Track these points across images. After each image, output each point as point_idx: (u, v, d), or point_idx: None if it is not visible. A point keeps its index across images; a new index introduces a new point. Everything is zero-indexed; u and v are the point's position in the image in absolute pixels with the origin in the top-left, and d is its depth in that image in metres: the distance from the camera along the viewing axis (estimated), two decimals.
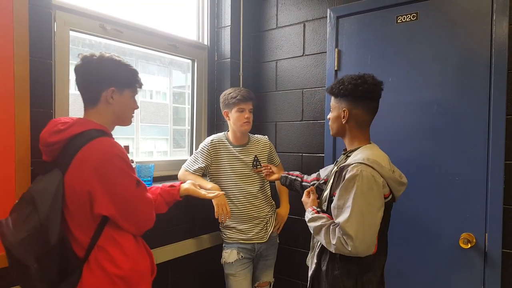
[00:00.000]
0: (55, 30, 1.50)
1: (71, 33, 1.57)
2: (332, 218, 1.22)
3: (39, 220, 1.02)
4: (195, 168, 1.81)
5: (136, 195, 1.13)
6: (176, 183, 1.49)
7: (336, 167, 1.35)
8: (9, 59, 1.27)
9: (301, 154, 2.14)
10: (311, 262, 1.35)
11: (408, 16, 1.75)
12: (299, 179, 1.69)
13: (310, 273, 1.34)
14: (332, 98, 1.34)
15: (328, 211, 1.27)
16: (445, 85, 1.66)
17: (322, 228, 1.22)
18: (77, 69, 1.17)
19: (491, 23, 1.54)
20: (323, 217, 1.25)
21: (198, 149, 1.86)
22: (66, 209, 1.09)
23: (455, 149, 1.63)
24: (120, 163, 1.09)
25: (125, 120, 1.26)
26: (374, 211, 1.14)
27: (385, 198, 1.19)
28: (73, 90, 1.71)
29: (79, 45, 1.72)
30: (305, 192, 1.43)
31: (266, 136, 2.00)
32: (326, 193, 1.32)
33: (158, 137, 2.30)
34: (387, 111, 1.80)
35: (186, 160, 1.90)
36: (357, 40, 1.91)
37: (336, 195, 1.20)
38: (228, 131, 1.90)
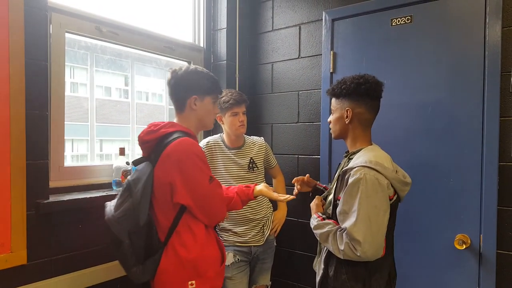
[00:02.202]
0: (51, 32, 1.49)
1: (67, 35, 1.57)
2: (338, 224, 1.20)
3: (133, 204, 1.22)
4: None
5: (209, 189, 1.28)
6: (251, 184, 1.56)
7: (339, 171, 1.33)
8: (4, 60, 1.26)
9: (297, 156, 2.15)
10: (319, 267, 1.33)
11: (403, 19, 1.76)
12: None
13: (318, 278, 1.32)
14: (333, 99, 1.33)
15: (333, 216, 1.26)
16: (439, 87, 1.67)
17: (329, 234, 1.19)
18: (168, 82, 1.38)
19: (485, 26, 1.56)
20: (329, 223, 1.22)
21: None
22: (153, 196, 1.27)
23: (449, 151, 1.65)
24: (196, 160, 1.25)
25: (207, 123, 1.43)
26: (381, 214, 1.13)
27: (390, 199, 1.17)
28: (69, 92, 1.71)
29: (75, 47, 1.72)
30: (315, 199, 1.41)
31: (262, 138, 2.00)
32: (330, 197, 1.30)
33: None
34: (382, 113, 1.81)
35: None
36: (352, 42, 1.92)
37: (341, 200, 1.18)
38: (223, 133, 1.90)
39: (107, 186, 1.67)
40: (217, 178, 1.80)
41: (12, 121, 1.28)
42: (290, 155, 2.17)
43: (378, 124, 1.83)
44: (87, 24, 1.63)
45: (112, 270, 1.59)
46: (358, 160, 1.20)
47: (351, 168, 1.17)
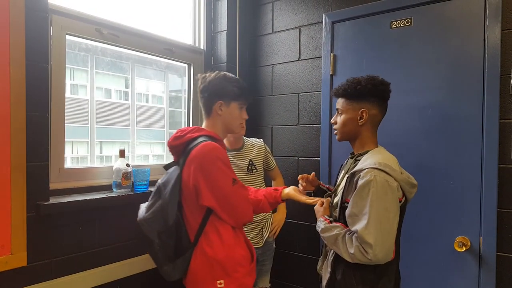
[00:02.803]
0: (52, 34, 1.50)
1: (68, 37, 1.57)
2: (346, 227, 1.18)
3: (162, 205, 1.28)
4: None
5: (232, 191, 1.30)
6: (279, 187, 1.56)
7: (345, 172, 1.31)
8: (5, 62, 1.26)
9: (297, 158, 2.15)
10: (325, 271, 1.30)
11: (402, 22, 1.77)
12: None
13: (324, 282, 1.29)
14: (343, 100, 1.29)
15: (340, 218, 1.23)
16: (439, 89, 1.68)
17: (337, 237, 1.17)
18: (199, 88, 1.42)
19: (484, 28, 1.56)
20: (337, 226, 1.19)
21: None
22: (183, 198, 1.33)
23: (449, 153, 1.65)
24: (219, 163, 1.28)
25: (233, 128, 1.46)
26: (391, 217, 1.11)
27: (400, 202, 1.16)
28: (69, 94, 1.71)
29: (76, 49, 1.72)
30: (319, 201, 1.38)
31: (262, 139, 2.00)
32: (337, 199, 1.27)
33: (154, 141, 2.30)
34: None
35: None
36: (352, 45, 1.92)
37: (350, 202, 1.15)
38: None
39: (107, 188, 1.67)
40: None
41: (13, 123, 1.28)
42: (290, 157, 2.17)
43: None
44: (88, 26, 1.63)
45: (113, 271, 1.59)
46: (366, 162, 1.18)
47: (360, 170, 1.15)
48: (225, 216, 1.30)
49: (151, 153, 2.30)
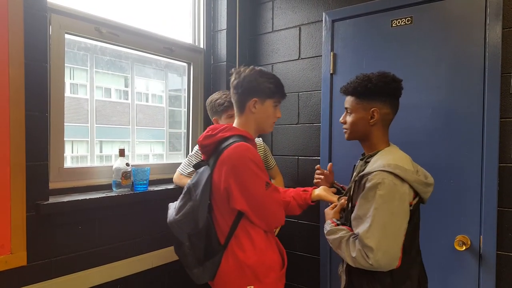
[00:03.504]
0: (51, 33, 1.49)
1: (67, 36, 1.57)
2: (352, 230, 1.14)
3: (192, 207, 1.26)
4: (189, 171, 1.80)
5: (265, 195, 1.26)
6: (309, 188, 1.51)
7: (355, 174, 1.27)
8: (4, 62, 1.26)
9: (297, 157, 2.14)
10: (342, 278, 1.26)
11: (403, 20, 1.76)
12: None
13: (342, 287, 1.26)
14: (352, 98, 1.23)
15: (349, 223, 1.19)
16: (440, 88, 1.67)
17: (341, 240, 1.14)
18: (231, 83, 1.37)
19: (485, 27, 1.55)
20: (342, 229, 1.17)
21: (192, 152, 1.86)
22: (213, 200, 1.30)
23: (449, 152, 1.64)
24: (251, 166, 1.23)
25: (266, 127, 1.39)
26: (398, 222, 1.06)
27: (410, 205, 1.10)
28: (69, 93, 1.71)
29: (75, 48, 1.72)
30: (331, 204, 1.35)
31: (261, 138, 2.00)
32: (347, 203, 1.24)
33: (154, 140, 2.30)
34: None
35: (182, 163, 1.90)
36: (352, 43, 1.92)
37: (356, 205, 1.12)
38: None
39: (107, 187, 1.67)
40: None
41: (12, 122, 1.28)
42: (290, 156, 2.17)
43: None
44: (87, 25, 1.63)
45: (113, 271, 1.59)
46: (376, 164, 1.13)
47: (369, 173, 1.11)
48: (256, 220, 1.26)
49: (151, 153, 2.30)
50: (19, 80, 1.29)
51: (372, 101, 1.18)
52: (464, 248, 1.58)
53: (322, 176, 1.52)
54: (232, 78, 1.37)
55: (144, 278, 1.73)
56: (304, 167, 2.11)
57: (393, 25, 1.79)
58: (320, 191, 1.47)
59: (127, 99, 2.04)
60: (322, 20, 2.02)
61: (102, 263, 1.56)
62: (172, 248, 1.81)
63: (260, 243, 1.28)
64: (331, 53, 1.97)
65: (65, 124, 1.57)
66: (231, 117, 1.77)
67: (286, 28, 2.18)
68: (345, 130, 1.27)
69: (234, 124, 1.38)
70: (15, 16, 1.28)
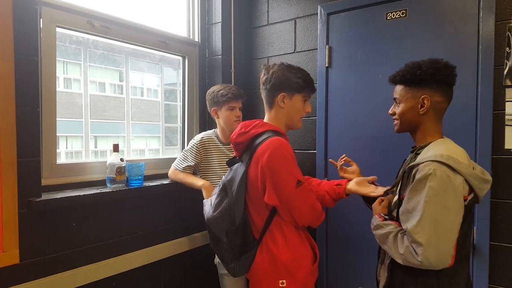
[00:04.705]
0: (41, 26, 1.46)
1: (58, 29, 1.54)
2: (401, 226, 1.06)
3: (228, 204, 1.30)
4: (184, 167, 1.80)
5: (294, 193, 1.25)
6: (343, 180, 1.49)
7: (403, 167, 1.19)
8: None
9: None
10: (382, 275, 1.18)
11: (398, 13, 1.76)
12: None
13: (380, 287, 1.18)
14: (401, 87, 1.16)
15: (397, 218, 1.10)
16: None
17: (388, 235, 1.07)
18: (260, 78, 1.38)
19: (478, 20, 1.56)
20: (390, 224, 1.10)
21: (188, 147, 1.85)
22: (248, 196, 1.32)
23: None
24: (286, 162, 1.24)
25: (295, 122, 1.39)
26: (451, 216, 0.97)
27: (465, 200, 1.01)
28: (62, 88, 1.68)
29: (67, 41, 1.69)
30: (378, 199, 1.27)
31: None
32: (395, 198, 1.17)
33: (149, 135, 2.28)
34: (377, 107, 1.82)
35: (177, 158, 1.89)
36: (348, 36, 1.91)
37: (405, 198, 1.04)
38: (217, 128, 1.88)
39: (101, 183, 1.66)
40: (210, 174, 1.81)
41: (2, 118, 1.26)
42: None
43: (372, 119, 1.84)
44: (79, 18, 1.60)
45: (108, 267, 1.58)
46: (427, 154, 1.05)
47: (419, 163, 1.03)
48: (286, 216, 1.29)
49: (146, 147, 2.28)
50: (9, 74, 1.27)
51: (422, 88, 1.11)
52: None
53: (344, 167, 1.51)
54: (261, 74, 1.39)
55: (140, 274, 1.72)
56: (301, 161, 2.10)
57: (388, 18, 1.78)
58: (352, 185, 1.44)
59: (122, 93, 2.02)
60: (317, 13, 2.00)
61: (97, 260, 1.55)
62: (167, 243, 1.83)
63: (292, 239, 1.30)
64: (327, 46, 1.96)
65: (59, 119, 1.55)
66: (232, 109, 1.76)
67: (282, 21, 2.17)
68: (395, 121, 1.21)
69: (265, 120, 1.39)
70: (5, 9, 1.25)
